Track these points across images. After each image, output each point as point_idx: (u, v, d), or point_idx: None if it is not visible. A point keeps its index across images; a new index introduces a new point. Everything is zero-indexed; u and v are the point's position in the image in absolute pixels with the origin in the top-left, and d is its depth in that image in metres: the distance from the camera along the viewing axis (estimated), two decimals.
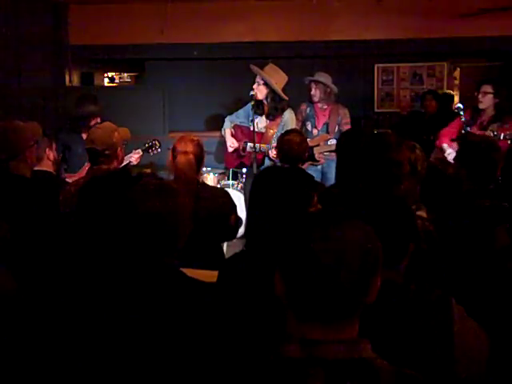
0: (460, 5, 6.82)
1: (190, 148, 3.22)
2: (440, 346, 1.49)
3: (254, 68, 5.06)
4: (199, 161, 3.26)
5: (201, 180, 3.45)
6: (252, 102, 4.85)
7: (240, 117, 5.23)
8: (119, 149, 3.31)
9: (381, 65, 7.55)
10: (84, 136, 5.17)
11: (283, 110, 4.99)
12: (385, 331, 1.47)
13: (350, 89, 7.05)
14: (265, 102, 5.00)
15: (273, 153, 4.68)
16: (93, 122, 5.18)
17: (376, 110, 7.61)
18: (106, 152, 3.21)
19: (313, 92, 5.29)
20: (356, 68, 7.42)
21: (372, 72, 7.56)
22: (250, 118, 4.89)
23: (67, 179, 4.91)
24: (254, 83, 5.00)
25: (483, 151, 2.82)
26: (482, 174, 2.79)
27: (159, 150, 4.92)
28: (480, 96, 4.77)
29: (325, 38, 7.04)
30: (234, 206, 3.37)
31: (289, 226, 1.22)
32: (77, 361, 1.60)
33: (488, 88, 4.77)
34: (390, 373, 1.12)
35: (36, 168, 3.54)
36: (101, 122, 5.22)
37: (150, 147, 4.91)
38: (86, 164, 4.92)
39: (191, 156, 3.21)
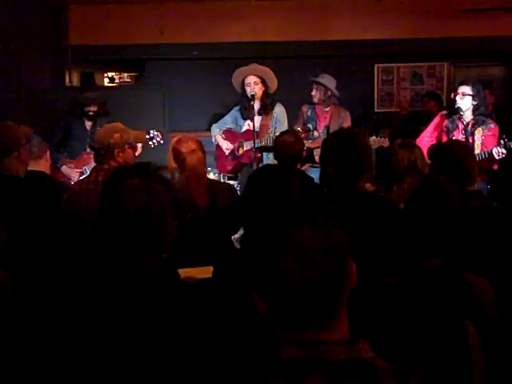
0: (460, 4, 6.82)
1: (195, 145, 3.27)
2: (457, 356, 1.51)
3: (255, 66, 5.07)
4: (205, 157, 3.32)
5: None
6: (252, 102, 4.86)
7: (227, 123, 5.23)
8: (117, 150, 3.24)
9: (381, 65, 7.54)
10: (87, 122, 5.20)
11: (273, 105, 5.07)
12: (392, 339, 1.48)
13: (350, 89, 7.04)
14: (257, 100, 4.99)
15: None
16: (92, 108, 5.16)
17: (376, 109, 7.60)
18: (101, 152, 3.22)
19: (313, 93, 5.30)
20: (356, 68, 7.42)
21: (372, 72, 7.56)
22: (256, 118, 4.90)
23: (64, 166, 4.94)
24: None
25: (455, 155, 2.82)
26: (458, 176, 2.79)
27: (161, 141, 4.75)
28: (458, 98, 4.52)
29: (325, 38, 7.05)
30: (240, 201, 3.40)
31: (254, 245, 1.22)
32: (70, 363, 1.60)
33: (467, 89, 4.53)
34: (388, 372, 1.13)
35: (34, 168, 3.56)
36: (99, 109, 5.22)
37: (151, 138, 4.68)
38: (86, 150, 4.94)
39: (200, 153, 3.25)
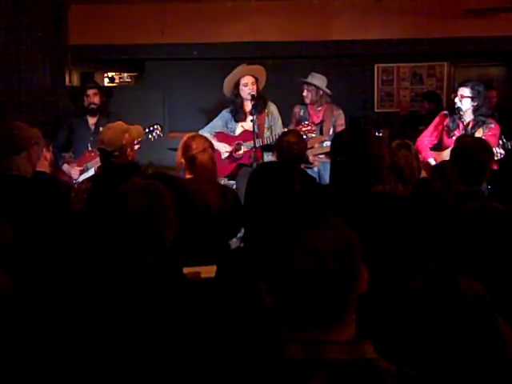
0: (460, 5, 6.82)
1: (206, 144, 3.26)
2: (489, 341, 1.51)
3: (250, 67, 5.08)
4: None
5: None
6: (253, 102, 4.85)
7: (217, 127, 5.17)
8: (129, 149, 3.36)
9: (381, 65, 7.54)
10: (89, 119, 5.20)
11: (266, 103, 5.06)
12: (422, 338, 1.48)
13: (350, 89, 7.05)
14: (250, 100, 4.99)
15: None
16: (93, 100, 5.18)
17: (376, 110, 7.60)
18: (115, 153, 3.28)
19: (305, 94, 5.27)
20: (356, 68, 7.41)
21: (372, 72, 7.55)
22: (250, 118, 4.89)
23: (65, 164, 4.94)
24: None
25: (473, 152, 2.81)
26: (471, 175, 2.78)
27: (161, 134, 4.73)
28: (457, 99, 4.53)
29: (325, 38, 7.04)
30: (239, 206, 3.37)
31: (267, 239, 1.21)
32: (72, 362, 1.60)
33: (465, 91, 4.53)
34: (392, 373, 1.12)
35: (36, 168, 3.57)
36: (101, 104, 5.22)
37: (151, 132, 4.70)
38: (88, 149, 4.98)
39: (211, 151, 3.24)
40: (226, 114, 5.18)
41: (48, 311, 1.84)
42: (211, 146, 3.34)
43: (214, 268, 2.14)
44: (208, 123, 5.41)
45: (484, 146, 2.93)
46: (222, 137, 5.13)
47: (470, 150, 2.84)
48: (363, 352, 1.12)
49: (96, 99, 5.20)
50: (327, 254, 1.12)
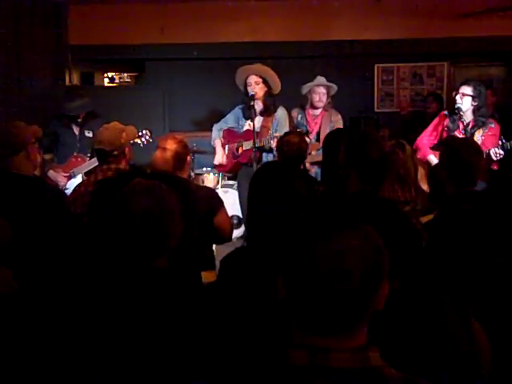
0: (460, 5, 6.82)
1: (168, 145, 3.20)
2: (463, 344, 1.50)
3: (257, 66, 5.07)
4: (178, 159, 3.20)
5: (201, 180, 3.45)
6: (252, 102, 4.85)
7: (229, 122, 5.20)
8: (127, 149, 3.36)
9: (381, 65, 7.54)
10: (75, 128, 5.18)
11: (276, 108, 5.03)
12: (401, 341, 1.47)
13: (350, 89, 7.05)
14: (259, 100, 4.98)
15: (275, 143, 4.67)
16: (81, 117, 5.17)
17: (376, 110, 7.60)
18: (114, 153, 3.29)
19: (321, 98, 5.23)
20: (356, 68, 7.42)
21: (372, 72, 7.56)
22: (258, 118, 4.89)
23: (51, 170, 4.90)
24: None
25: (463, 154, 2.81)
26: (462, 176, 2.78)
27: (150, 139, 4.66)
28: (458, 97, 4.48)
29: (325, 38, 7.05)
30: (219, 206, 3.24)
31: (291, 231, 1.18)
32: (73, 362, 1.60)
33: (467, 89, 4.49)
34: (398, 381, 1.10)
35: None
36: (87, 116, 5.21)
37: (139, 137, 4.63)
38: (74, 154, 4.97)
39: (168, 153, 3.18)
40: (237, 109, 5.19)
41: (50, 314, 1.84)
42: (174, 148, 3.21)
43: (215, 273, 2.14)
44: (208, 123, 5.41)
45: (472, 147, 2.93)
46: (229, 134, 5.17)
47: (458, 151, 2.83)
48: (368, 360, 1.10)
49: (82, 115, 5.20)
50: (354, 262, 1.09)
